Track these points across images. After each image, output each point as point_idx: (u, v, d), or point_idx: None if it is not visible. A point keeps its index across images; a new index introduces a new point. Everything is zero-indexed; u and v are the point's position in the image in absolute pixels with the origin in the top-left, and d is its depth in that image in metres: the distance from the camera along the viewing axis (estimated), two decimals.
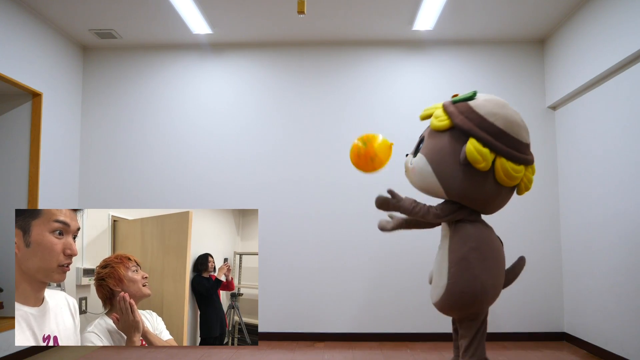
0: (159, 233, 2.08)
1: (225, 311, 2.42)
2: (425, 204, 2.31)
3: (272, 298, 3.92)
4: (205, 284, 2.25)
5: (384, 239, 3.93)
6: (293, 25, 3.80)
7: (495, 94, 4.03)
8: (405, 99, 4.06)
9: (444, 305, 2.28)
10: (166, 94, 4.14)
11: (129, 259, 1.66)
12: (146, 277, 1.68)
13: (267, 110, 4.10)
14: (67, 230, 1.40)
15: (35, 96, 3.62)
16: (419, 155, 2.36)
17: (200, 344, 2.15)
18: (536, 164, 3.94)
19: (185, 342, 1.95)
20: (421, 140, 2.43)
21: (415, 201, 2.31)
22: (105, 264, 1.63)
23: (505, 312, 3.84)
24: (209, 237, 2.31)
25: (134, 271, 1.65)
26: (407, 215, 2.33)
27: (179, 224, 2.04)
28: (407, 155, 2.57)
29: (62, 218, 1.39)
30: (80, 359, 3.37)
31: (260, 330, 3.89)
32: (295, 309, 3.90)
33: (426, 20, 3.67)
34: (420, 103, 4.05)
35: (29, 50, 3.51)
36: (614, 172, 3.16)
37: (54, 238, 1.37)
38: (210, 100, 4.12)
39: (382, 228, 2.68)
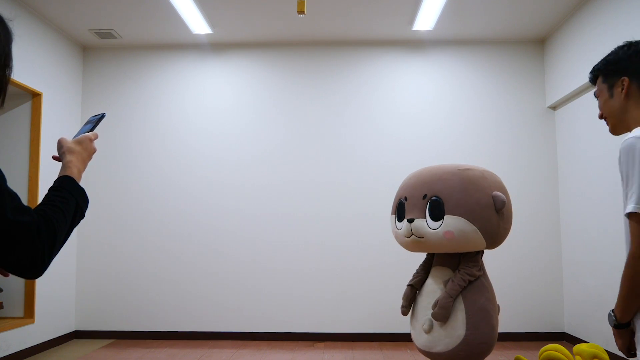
0: None
1: None
2: (465, 275, 2.13)
3: (272, 298, 3.92)
4: None
5: (384, 240, 3.92)
6: (293, 25, 3.80)
7: (495, 94, 4.04)
8: (405, 99, 4.05)
9: (458, 355, 2.20)
10: (166, 94, 4.14)
11: None
12: None
13: (267, 110, 4.09)
14: None
15: (35, 96, 3.62)
16: (454, 217, 2.02)
17: None
18: (536, 164, 3.97)
19: None
20: (429, 202, 2.09)
21: (458, 282, 2.12)
22: None
23: (505, 312, 3.83)
24: None
25: None
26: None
27: None
28: (400, 221, 2.23)
29: None
30: (80, 359, 3.37)
31: (260, 330, 3.89)
32: (295, 310, 3.90)
33: (426, 20, 3.67)
34: (420, 103, 4.05)
35: (29, 50, 3.51)
36: (613, 172, 3.15)
37: None
38: (210, 100, 4.12)
39: (447, 314, 2.14)
